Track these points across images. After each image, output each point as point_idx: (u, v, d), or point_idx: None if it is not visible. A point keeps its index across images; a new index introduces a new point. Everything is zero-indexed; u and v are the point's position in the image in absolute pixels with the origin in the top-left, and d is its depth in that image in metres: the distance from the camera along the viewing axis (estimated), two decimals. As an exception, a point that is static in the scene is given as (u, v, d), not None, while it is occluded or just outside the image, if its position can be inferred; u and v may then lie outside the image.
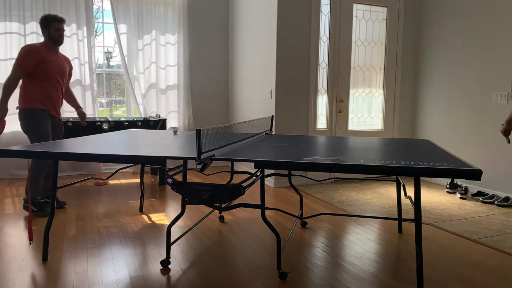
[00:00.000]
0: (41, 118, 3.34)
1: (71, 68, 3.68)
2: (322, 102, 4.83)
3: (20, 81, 3.32)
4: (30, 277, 2.22)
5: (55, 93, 3.44)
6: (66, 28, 4.89)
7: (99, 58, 5.30)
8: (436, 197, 4.20)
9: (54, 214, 2.60)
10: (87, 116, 4.68)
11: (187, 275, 2.27)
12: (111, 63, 5.23)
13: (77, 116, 4.42)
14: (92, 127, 4.38)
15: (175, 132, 3.20)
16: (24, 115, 3.31)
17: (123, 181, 4.90)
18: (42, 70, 3.31)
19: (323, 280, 2.24)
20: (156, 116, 5.04)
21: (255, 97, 5.10)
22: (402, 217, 3.35)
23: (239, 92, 5.59)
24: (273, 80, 4.57)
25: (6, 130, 4.80)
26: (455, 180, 4.49)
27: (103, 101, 5.47)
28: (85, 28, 4.97)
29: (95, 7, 5.09)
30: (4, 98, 3.20)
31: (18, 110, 3.34)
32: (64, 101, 3.83)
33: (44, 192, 3.54)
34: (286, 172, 4.54)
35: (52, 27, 3.33)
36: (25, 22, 4.73)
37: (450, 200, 4.07)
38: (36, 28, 4.78)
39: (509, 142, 2.63)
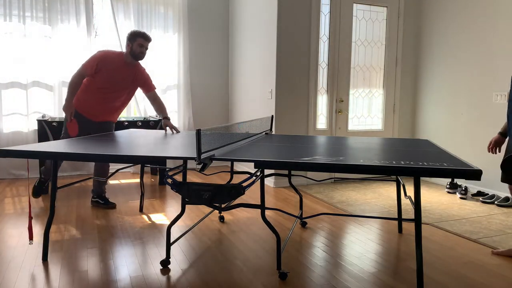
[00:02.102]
0: (80, 123, 3.40)
1: (146, 79, 3.54)
2: (322, 102, 4.83)
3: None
4: (30, 277, 2.22)
5: (107, 102, 3.43)
6: (65, 27, 4.89)
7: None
8: (436, 197, 4.20)
9: (54, 214, 2.60)
10: None
11: (187, 275, 2.27)
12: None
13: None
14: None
15: None
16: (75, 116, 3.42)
17: (123, 181, 4.90)
18: (100, 79, 3.32)
19: (323, 280, 2.24)
20: (156, 116, 5.04)
21: (255, 97, 5.10)
22: (402, 217, 3.35)
23: (239, 92, 5.59)
24: (273, 80, 4.57)
25: (6, 130, 4.80)
26: (455, 180, 4.49)
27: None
28: (85, 27, 4.97)
29: (95, 6, 5.09)
30: (68, 97, 3.27)
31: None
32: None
33: (97, 191, 3.67)
34: (286, 172, 4.54)
35: (136, 42, 3.34)
36: (25, 22, 4.72)
37: (450, 200, 4.07)
38: (36, 27, 4.77)
39: (495, 153, 2.74)
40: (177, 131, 3.45)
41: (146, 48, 3.41)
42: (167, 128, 3.49)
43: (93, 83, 3.34)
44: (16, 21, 4.70)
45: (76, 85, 3.28)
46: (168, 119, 3.53)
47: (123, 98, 3.52)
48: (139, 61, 3.49)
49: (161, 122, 4.79)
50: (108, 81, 3.34)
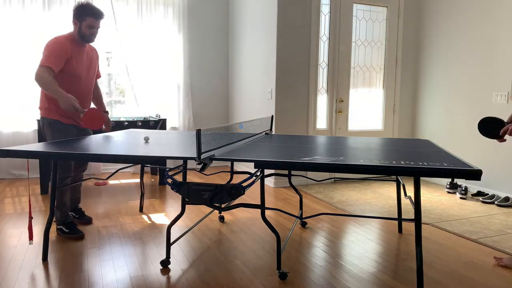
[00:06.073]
0: (65, 132, 2.90)
1: (98, 61, 3.16)
2: (322, 102, 4.83)
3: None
4: (30, 277, 2.22)
5: (84, 98, 2.97)
6: (65, 18, 4.89)
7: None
8: (436, 197, 4.20)
9: (54, 214, 2.59)
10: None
11: (187, 275, 2.27)
12: (111, 63, 5.23)
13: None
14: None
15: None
16: (43, 124, 2.91)
17: (123, 181, 4.90)
18: (68, 72, 2.83)
19: (323, 280, 2.24)
20: (156, 116, 5.04)
21: (255, 97, 5.10)
22: (402, 217, 3.35)
23: (239, 92, 5.59)
24: (273, 80, 4.57)
25: (6, 130, 4.79)
26: (455, 180, 4.49)
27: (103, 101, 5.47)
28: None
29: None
30: (56, 93, 2.67)
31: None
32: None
33: (71, 204, 3.19)
34: (286, 172, 4.54)
35: (85, 22, 2.81)
36: (24, 6, 4.73)
37: (450, 200, 4.07)
38: (37, 14, 4.77)
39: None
40: (110, 128, 3.20)
41: (98, 28, 2.89)
42: (106, 123, 3.19)
43: (62, 78, 2.82)
44: (15, 7, 4.71)
45: (51, 80, 2.68)
46: (107, 113, 3.20)
47: (92, 86, 3.08)
48: (100, 48, 3.09)
49: (160, 122, 4.79)
50: (74, 72, 2.87)
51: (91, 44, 3.10)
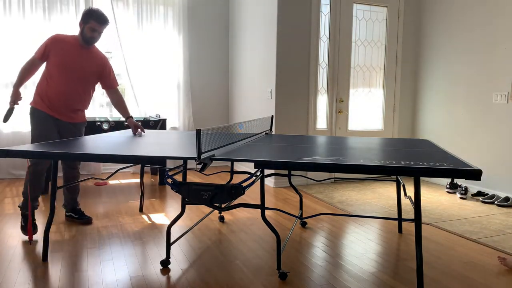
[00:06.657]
0: (42, 120, 2.98)
1: (106, 68, 3.20)
2: (322, 102, 4.83)
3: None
4: (30, 277, 2.22)
5: (68, 93, 3.01)
6: (65, 26, 4.89)
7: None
8: (436, 197, 4.20)
9: (54, 214, 2.60)
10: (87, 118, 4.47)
11: (187, 275, 2.27)
12: (111, 63, 5.23)
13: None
14: (92, 127, 4.39)
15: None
16: (30, 113, 3.03)
17: (123, 181, 4.90)
18: (56, 64, 2.95)
19: (323, 280, 2.24)
20: (156, 116, 5.04)
21: (255, 97, 5.10)
22: (402, 217, 3.35)
23: (239, 92, 5.59)
24: (273, 80, 4.57)
25: (6, 130, 4.79)
26: (455, 180, 4.49)
27: (103, 101, 5.47)
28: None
29: (95, 6, 5.09)
30: (16, 82, 2.93)
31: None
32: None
33: (69, 204, 3.24)
34: (286, 172, 4.54)
35: (89, 24, 2.96)
36: (25, 16, 4.72)
37: (450, 200, 4.07)
38: (36, 22, 4.77)
39: None
40: (143, 131, 3.26)
41: (100, 33, 3.04)
42: (134, 127, 3.24)
43: (47, 70, 2.98)
44: (15, 15, 4.71)
45: (24, 70, 2.94)
46: (132, 118, 3.28)
47: (83, 88, 3.09)
48: (100, 48, 3.18)
49: (160, 122, 4.79)
50: (61, 65, 2.95)
51: (103, 53, 3.23)
